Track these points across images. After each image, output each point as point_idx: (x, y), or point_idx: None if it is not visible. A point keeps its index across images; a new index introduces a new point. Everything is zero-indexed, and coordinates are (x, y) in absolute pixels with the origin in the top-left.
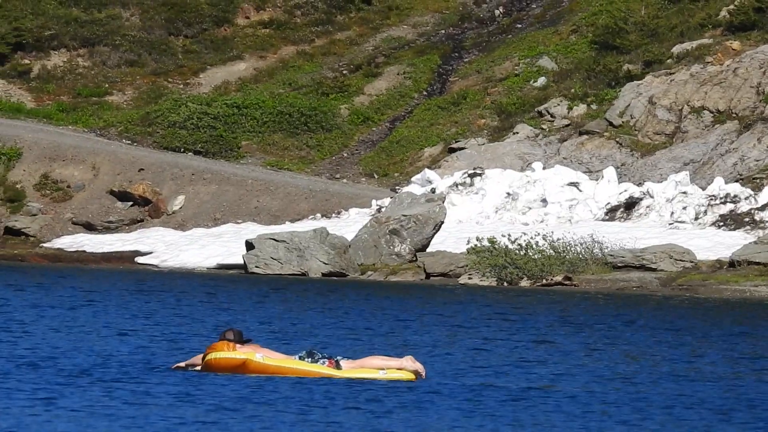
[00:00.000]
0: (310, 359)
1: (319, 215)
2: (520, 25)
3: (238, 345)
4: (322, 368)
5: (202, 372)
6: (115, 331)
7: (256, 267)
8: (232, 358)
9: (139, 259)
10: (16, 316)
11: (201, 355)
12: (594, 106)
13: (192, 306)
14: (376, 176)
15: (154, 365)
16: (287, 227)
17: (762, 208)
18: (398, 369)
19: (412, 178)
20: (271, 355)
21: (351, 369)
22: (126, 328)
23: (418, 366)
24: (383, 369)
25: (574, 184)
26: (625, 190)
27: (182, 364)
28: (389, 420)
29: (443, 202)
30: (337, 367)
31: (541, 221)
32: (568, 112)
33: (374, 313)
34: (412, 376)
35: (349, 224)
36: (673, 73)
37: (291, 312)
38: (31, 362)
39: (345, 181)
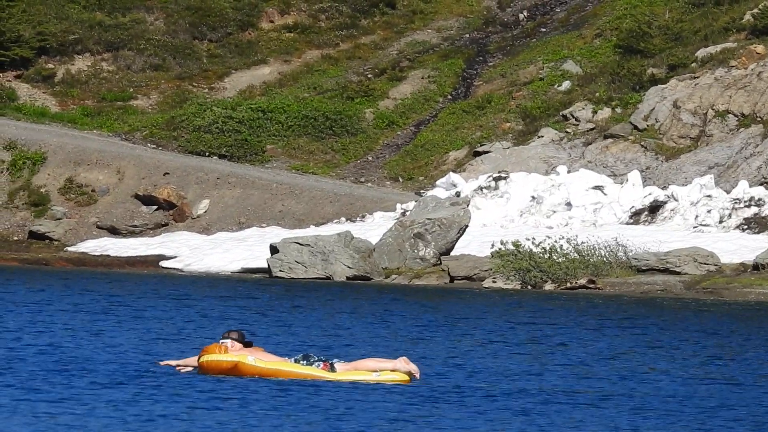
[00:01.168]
0: (305, 362)
1: (343, 219)
2: (544, 29)
3: (230, 347)
4: (315, 370)
5: (199, 374)
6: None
7: (281, 271)
8: (224, 361)
9: (164, 263)
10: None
11: (195, 357)
12: (618, 110)
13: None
14: (400, 180)
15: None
16: (312, 231)
17: None
18: (392, 371)
19: (437, 182)
20: (264, 358)
21: (345, 371)
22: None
23: (412, 367)
24: (377, 371)
25: (599, 188)
26: (650, 194)
27: (173, 363)
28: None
29: (468, 206)
30: (332, 369)
31: (566, 225)
32: (593, 116)
33: (430, 320)
34: (406, 378)
35: (374, 228)
36: (698, 77)
37: (341, 317)
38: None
39: (370, 184)
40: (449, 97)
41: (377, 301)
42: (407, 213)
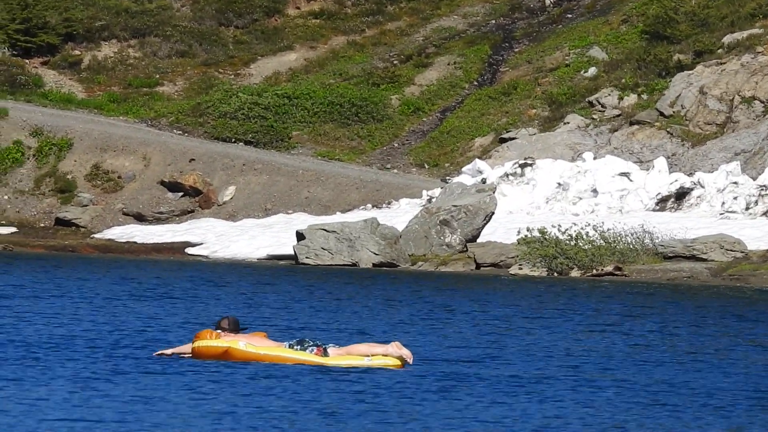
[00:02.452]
0: (299, 347)
1: (369, 205)
2: (570, 15)
3: (225, 333)
4: (307, 355)
5: (193, 359)
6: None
7: (307, 258)
8: (215, 346)
9: (190, 250)
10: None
11: (189, 344)
12: (645, 96)
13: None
14: (426, 166)
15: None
16: (338, 218)
17: None
18: (384, 355)
19: (463, 169)
20: (259, 343)
21: (338, 356)
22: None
23: (405, 352)
24: (369, 356)
25: (625, 175)
26: (676, 180)
27: (168, 352)
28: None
29: (494, 193)
30: (325, 354)
31: (592, 211)
32: (619, 102)
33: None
34: (398, 362)
35: (400, 215)
36: (724, 63)
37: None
38: None
39: (395, 171)
40: (475, 83)
41: (442, 291)
42: (433, 200)
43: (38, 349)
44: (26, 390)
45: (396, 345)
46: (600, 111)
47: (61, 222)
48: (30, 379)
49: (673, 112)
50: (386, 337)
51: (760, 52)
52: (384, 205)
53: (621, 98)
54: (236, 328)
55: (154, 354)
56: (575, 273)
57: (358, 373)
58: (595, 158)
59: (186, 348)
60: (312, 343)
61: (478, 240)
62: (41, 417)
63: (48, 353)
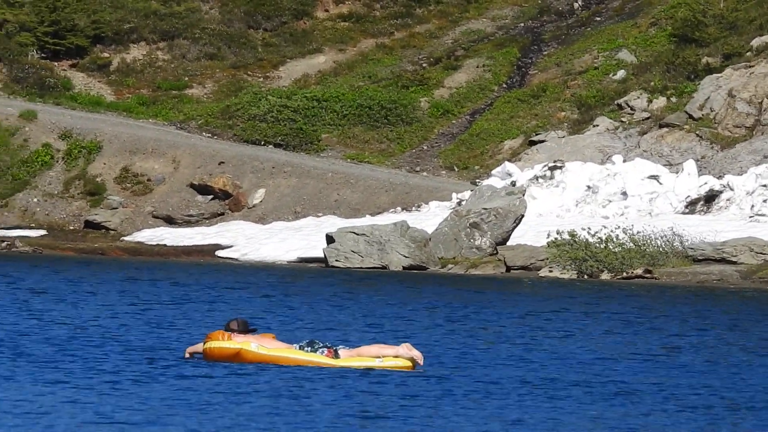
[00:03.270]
0: (310, 348)
1: (399, 208)
2: (599, 18)
3: (235, 335)
4: (318, 357)
5: (205, 360)
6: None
7: (337, 260)
8: (227, 348)
9: (220, 253)
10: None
11: (201, 344)
12: (674, 99)
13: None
14: (456, 169)
15: None
16: (367, 220)
17: None
18: (395, 357)
19: (493, 171)
20: (270, 345)
21: (348, 357)
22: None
23: (415, 354)
24: (380, 357)
25: (654, 177)
26: (705, 183)
27: (187, 354)
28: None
29: (523, 196)
30: (336, 356)
31: (621, 214)
32: (648, 105)
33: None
34: (409, 364)
35: (429, 217)
36: (753, 66)
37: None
38: None
39: (425, 174)
40: (504, 85)
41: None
42: (463, 202)
43: (70, 348)
44: (67, 390)
45: (407, 346)
46: (629, 114)
47: (90, 225)
48: (70, 380)
49: (702, 115)
50: (425, 339)
51: None
52: (413, 208)
53: (650, 101)
54: (245, 329)
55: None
56: (605, 276)
57: (403, 376)
58: (624, 161)
59: (199, 347)
60: (322, 344)
61: (508, 243)
62: (78, 419)
63: (83, 352)
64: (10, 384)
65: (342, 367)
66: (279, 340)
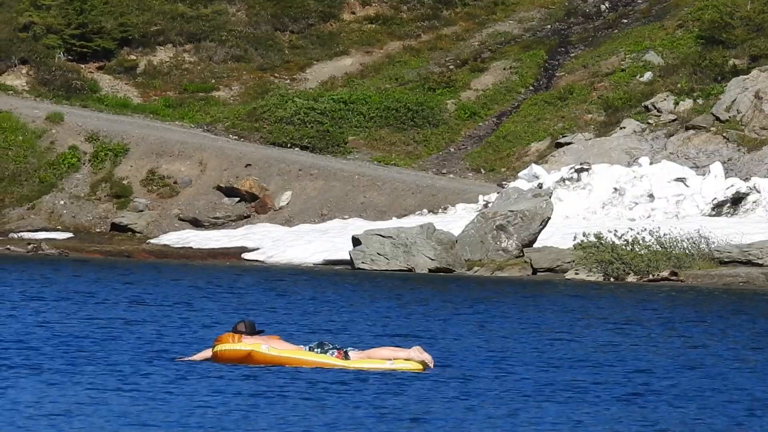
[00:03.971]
0: (319, 350)
1: (425, 211)
2: (625, 20)
3: (245, 336)
4: (329, 359)
5: (213, 363)
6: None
7: (363, 263)
8: (238, 350)
9: (246, 255)
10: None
11: (210, 349)
12: (700, 101)
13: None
14: (482, 171)
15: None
16: (394, 223)
17: None
18: (406, 359)
19: (519, 174)
20: (279, 346)
21: (359, 359)
22: None
23: (426, 357)
24: (391, 359)
25: (681, 180)
26: (732, 185)
27: (187, 359)
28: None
29: (550, 198)
30: (346, 357)
31: (648, 216)
32: (675, 107)
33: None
34: (420, 367)
35: (456, 220)
36: None
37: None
38: None
39: (451, 176)
40: (531, 88)
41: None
42: (489, 205)
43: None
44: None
45: (418, 349)
46: (656, 116)
47: (116, 227)
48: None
49: (729, 116)
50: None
51: None
52: (440, 210)
53: (677, 103)
54: (253, 331)
55: (175, 360)
56: (631, 278)
57: (459, 381)
58: (651, 163)
59: (207, 353)
60: (332, 346)
61: (535, 245)
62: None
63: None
64: (60, 387)
65: (353, 369)
66: (284, 341)
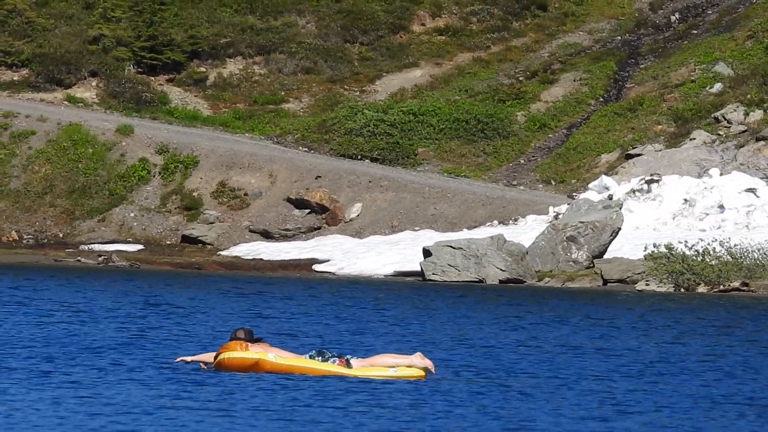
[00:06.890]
0: (320, 358)
1: (496, 222)
2: (695, 31)
3: (250, 345)
4: (333, 367)
5: (216, 371)
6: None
7: (434, 274)
8: (245, 358)
9: (317, 267)
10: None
11: (213, 354)
12: None
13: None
14: (552, 183)
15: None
16: (464, 234)
17: None
18: (408, 366)
19: (589, 185)
20: (282, 355)
21: (361, 367)
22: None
23: (428, 363)
24: (393, 367)
25: (752, 190)
26: None
27: (188, 359)
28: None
29: (620, 209)
30: (348, 365)
31: (718, 227)
32: (745, 118)
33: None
34: (422, 374)
35: (526, 231)
36: None
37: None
38: None
39: (522, 187)
40: (601, 99)
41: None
42: (560, 216)
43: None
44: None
45: (419, 356)
46: (726, 127)
47: (187, 239)
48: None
49: None
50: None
51: None
52: (510, 222)
53: (747, 114)
54: (251, 338)
55: (175, 360)
56: (702, 289)
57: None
58: (721, 174)
59: (207, 357)
60: (331, 354)
61: (605, 256)
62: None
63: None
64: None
65: (356, 377)
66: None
